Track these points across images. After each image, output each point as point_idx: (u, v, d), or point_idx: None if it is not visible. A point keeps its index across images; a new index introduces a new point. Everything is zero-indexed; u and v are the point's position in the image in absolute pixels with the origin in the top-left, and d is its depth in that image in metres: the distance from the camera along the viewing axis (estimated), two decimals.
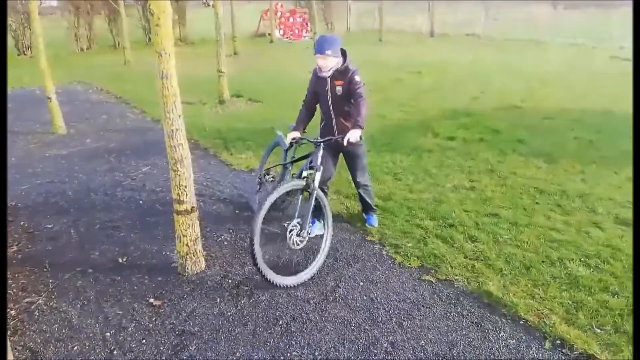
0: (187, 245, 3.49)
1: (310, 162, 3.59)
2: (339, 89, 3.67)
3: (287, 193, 3.48)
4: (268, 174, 4.50)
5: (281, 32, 22.73)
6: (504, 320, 3.04)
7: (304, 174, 3.52)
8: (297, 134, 3.80)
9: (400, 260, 3.74)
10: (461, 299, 3.27)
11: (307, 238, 3.49)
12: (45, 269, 3.70)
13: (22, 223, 4.46)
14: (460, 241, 3.96)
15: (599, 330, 2.93)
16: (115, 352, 2.83)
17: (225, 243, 4.05)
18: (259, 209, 3.25)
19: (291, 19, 23.19)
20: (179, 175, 3.33)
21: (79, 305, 3.27)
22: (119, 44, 18.14)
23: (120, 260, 3.80)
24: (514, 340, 2.87)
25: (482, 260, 3.69)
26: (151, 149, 6.56)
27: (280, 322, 3.06)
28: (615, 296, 3.23)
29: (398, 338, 2.91)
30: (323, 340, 2.89)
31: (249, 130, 7.26)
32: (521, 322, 3.02)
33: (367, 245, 3.98)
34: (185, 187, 3.36)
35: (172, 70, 3.09)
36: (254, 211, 4.11)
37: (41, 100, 8.82)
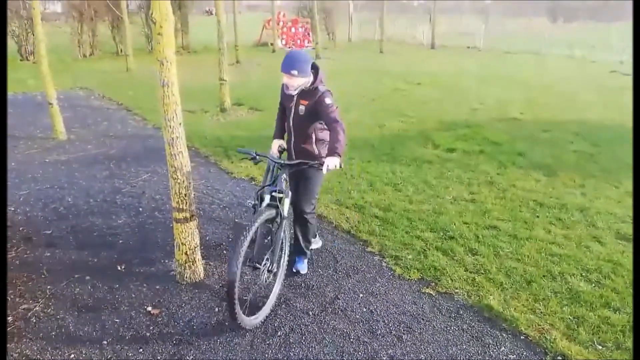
0: (185, 253, 3.47)
1: (275, 186, 3.21)
2: (302, 109, 3.35)
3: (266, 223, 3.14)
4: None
5: (283, 41, 22.86)
6: (504, 335, 3.02)
7: (266, 200, 3.16)
8: (280, 142, 3.61)
9: (400, 272, 3.72)
10: (461, 312, 3.25)
11: (280, 272, 3.26)
12: (43, 275, 3.67)
13: (20, 229, 4.43)
14: (461, 254, 3.95)
15: (600, 347, 2.91)
16: None
17: (225, 252, 4.03)
18: (235, 251, 2.84)
19: (293, 29, 23.34)
20: (179, 183, 3.32)
21: (76, 313, 3.24)
22: (121, 51, 18.20)
23: (118, 268, 3.78)
24: (515, 356, 2.85)
25: (483, 273, 3.68)
26: (151, 156, 6.56)
27: (279, 333, 3.03)
28: (617, 312, 3.21)
29: (397, 352, 2.88)
30: (322, 352, 2.87)
31: (249, 138, 7.26)
32: (522, 337, 3.00)
33: (367, 257, 3.96)
34: (185, 195, 3.35)
35: (173, 79, 3.09)
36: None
37: (42, 105, 8.83)
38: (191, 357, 2.83)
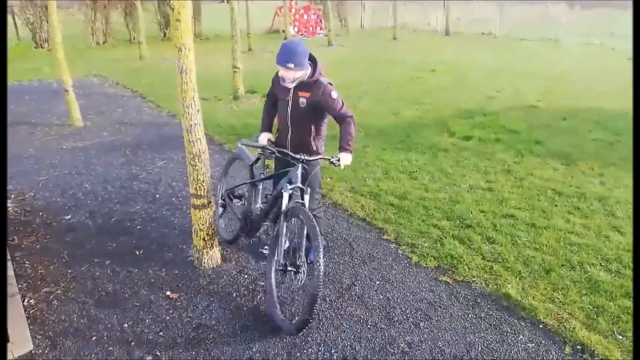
0: (203, 239, 3.49)
1: (291, 182, 3.11)
2: (302, 101, 3.18)
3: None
4: (234, 196, 3.91)
5: (295, 28, 22.69)
6: (522, 324, 3.01)
7: (286, 195, 3.06)
8: (268, 135, 3.42)
9: (416, 260, 3.71)
10: (479, 300, 3.23)
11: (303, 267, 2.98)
12: (63, 260, 3.73)
13: (40, 214, 4.50)
14: (478, 242, 3.92)
15: (620, 337, 2.89)
16: (132, 343, 2.85)
17: (241, 238, 4.05)
18: (270, 263, 2.94)
19: (305, 16, 23.14)
20: (197, 170, 3.33)
21: (96, 296, 3.29)
22: (134, 38, 18.24)
23: (137, 253, 3.82)
24: (533, 344, 2.84)
25: (500, 262, 3.65)
26: (167, 143, 6.60)
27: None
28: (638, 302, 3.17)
29: (415, 338, 2.88)
30: (339, 338, 2.88)
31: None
32: (540, 326, 2.98)
33: (383, 244, 3.96)
34: (203, 181, 3.36)
35: (191, 65, 3.09)
36: (224, 239, 3.85)
37: (58, 92, 8.91)
38: (210, 341, 2.86)
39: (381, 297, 3.28)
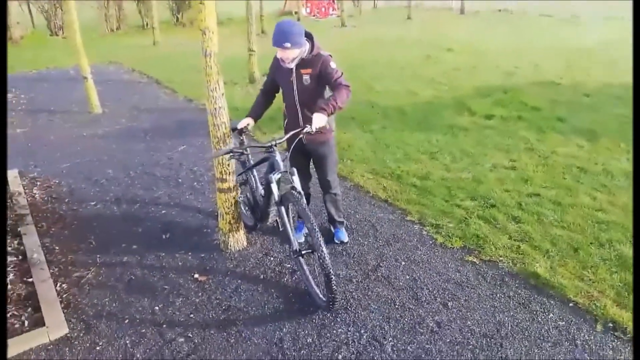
0: (229, 222, 3.51)
1: (273, 170, 3.08)
2: (306, 78, 3.16)
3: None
4: (240, 184, 3.79)
5: (308, 10, 22.42)
6: (552, 302, 2.98)
7: (274, 185, 3.04)
8: (249, 121, 3.35)
9: (441, 240, 3.69)
10: (507, 280, 3.21)
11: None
12: (91, 245, 3.80)
13: (66, 200, 4.57)
14: (503, 222, 3.88)
15: None
16: (164, 325, 2.90)
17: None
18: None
19: None
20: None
21: (126, 280, 3.35)
22: (147, 24, 18.22)
23: (163, 237, 3.87)
24: (564, 322, 2.82)
25: (527, 241, 3.62)
26: (185, 129, 6.62)
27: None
28: None
29: (444, 318, 2.88)
30: (368, 318, 2.90)
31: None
32: (570, 304, 2.96)
33: (407, 225, 3.94)
34: (228, 165, 3.36)
35: (215, 48, 3.06)
36: (246, 225, 3.79)
37: (75, 80, 8.99)
38: (241, 322, 2.90)
39: (407, 277, 3.28)
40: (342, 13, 18.06)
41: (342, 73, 3.16)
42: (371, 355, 2.62)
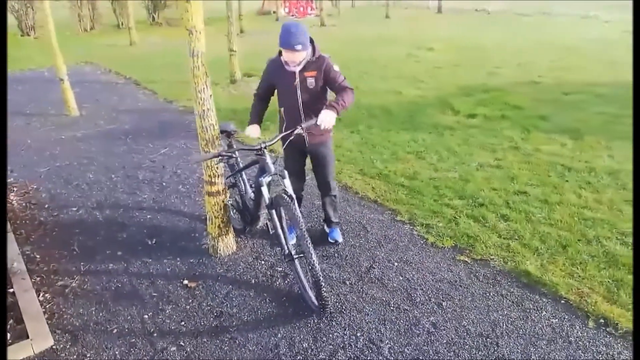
0: (218, 226, 3.44)
1: (263, 173, 3.00)
2: (311, 82, 3.08)
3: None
4: (229, 187, 3.73)
5: (286, 9, 22.33)
6: (544, 300, 3.00)
7: (264, 188, 2.95)
8: (257, 129, 3.26)
9: (432, 240, 3.69)
10: (499, 278, 3.22)
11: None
12: (75, 252, 3.67)
13: (46, 206, 4.42)
14: (493, 220, 3.90)
15: None
16: (155, 334, 2.81)
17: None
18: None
19: None
20: None
21: (113, 288, 3.24)
22: (122, 24, 17.86)
23: (149, 242, 3.77)
24: (557, 320, 2.84)
25: (517, 239, 3.64)
26: (167, 130, 6.49)
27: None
28: None
29: (439, 318, 2.87)
30: (363, 321, 2.87)
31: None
32: (562, 302, 2.98)
33: (398, 226, 3.93)
34: (217, 168, 3.29)
35: (202, 48, 2.99)
36: (235, 229, 3.70)
37: (51, 81, 8.73)
38: (234, 329, 2.83)
39: (401, 278, 3.26)
40: (322, 12, 18.03)
41: (344, 77, 3.14)
42: (369, 358, 2.59)
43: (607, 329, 2.76)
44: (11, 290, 3.17)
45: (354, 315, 2.91)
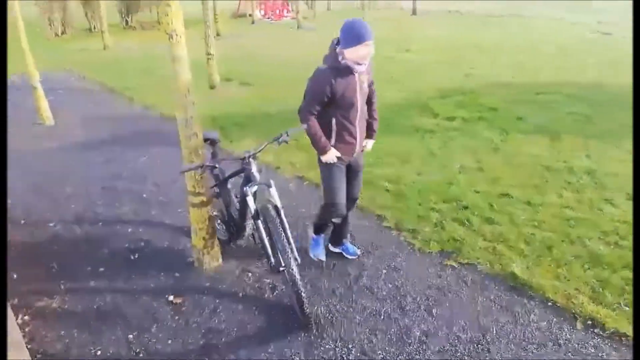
0: (203, 238, 3.37)
1: (249, 182, 2.93)
2: (365, 87, 2.92)
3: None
4: (214, 197, 3.62)
5: (262, 12, 22.23)
6: (532, 303, 3.03)
7: (249, 198, 2.87)
8: (334, 150, 2.98)
9: (419, 245, 3.69)
10: (487, 282, 3.24)
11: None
12: (54, 270, 3.54)
13: (21, 222, 4.26)
14: (478, 223, 3.93)
15: (627, 308, 2.94)
16: (141, 355, 2.73)
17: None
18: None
19: None
20: None
21: (95, 307, 3.14)
22: (94, 27, 17.47)
23: (132, 257, 3.66)
24: (545, 323, 2.87)
25: (502, 242, 3.67)
26: (145, 138, 6.36)
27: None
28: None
29: (430, 326, 2.87)
30: (354, 332, 2.84)
31: (245, 115, 7.05)
32: (549, 304, 3.02)
33: (384, 232, 3.92)
34: (201, 178, 3.22)
35: (184, 53, 2.92)
36: (221, 240, 3.58)
37: (22, 89, 8.46)
38: (223, 345, 2.77)
39: (390, 286, 3.25)
40: (298, 15, 18.00)
41: None
42: None
43: (595, 330, 2.80)
44: None
45: (345, 327, 2.88)
